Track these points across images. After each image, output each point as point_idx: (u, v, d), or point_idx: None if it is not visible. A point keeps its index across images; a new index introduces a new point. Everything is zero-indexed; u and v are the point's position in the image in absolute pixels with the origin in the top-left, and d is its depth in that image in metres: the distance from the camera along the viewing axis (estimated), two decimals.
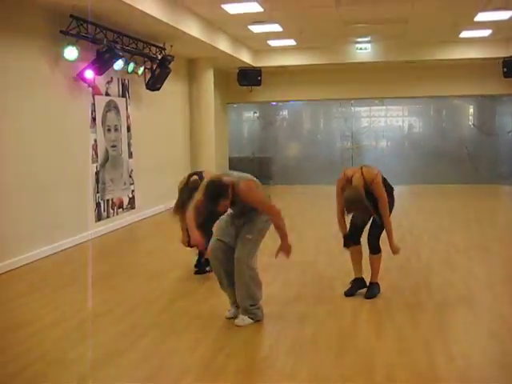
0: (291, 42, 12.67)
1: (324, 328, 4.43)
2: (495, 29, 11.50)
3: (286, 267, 6.30)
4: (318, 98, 15.19)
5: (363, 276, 5.29)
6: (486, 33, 11.92)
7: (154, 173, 10.41)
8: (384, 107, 15.49)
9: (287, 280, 5.82)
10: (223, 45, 11.16)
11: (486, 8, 9.55)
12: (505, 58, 13.06)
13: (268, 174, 15.59)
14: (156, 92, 9.84)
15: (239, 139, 16.08)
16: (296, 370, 3.66)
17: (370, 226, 5.23)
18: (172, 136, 11.63)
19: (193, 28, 9.36)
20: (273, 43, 12.77)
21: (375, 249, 5.20)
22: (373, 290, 5.19)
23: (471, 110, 15.33)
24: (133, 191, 9.54)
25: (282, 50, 13.51)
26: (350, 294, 5.21)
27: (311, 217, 9.95)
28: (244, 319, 4.47)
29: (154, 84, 9.60)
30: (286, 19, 10.31)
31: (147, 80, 9.56)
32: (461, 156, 14.46)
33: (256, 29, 10.95)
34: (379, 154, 14.68)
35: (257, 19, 10.09)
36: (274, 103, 15.82)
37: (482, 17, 10.24)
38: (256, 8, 9.15)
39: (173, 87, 11.28)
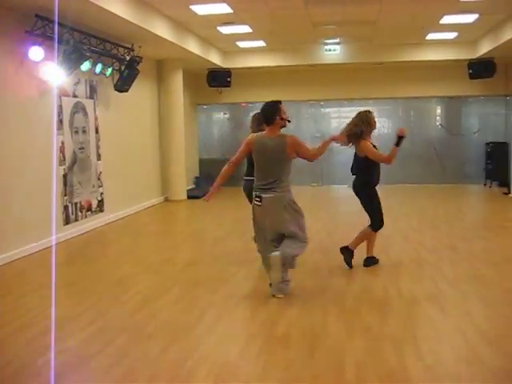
0: (261, 43, 12.70)
1: (295, 328, 4.43)
2: (460, 31, 11.72)
3: (258, 269, 6.31)
4: (288, 99, 15.19)
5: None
6: (452, 35, 12.13)
7: (123, 175, 10.31)
8: (353, 108, 15.59)
9: (258, 282, 5.81)
10: (192, 46, 11.12)
11: (451, 11, 9.72)
12: (470, 60, 13.32)
13: (238, 176, 15.50)
14: (124, 93, 9.75)
15: (209, 140, 16.02)
16: (267, 371, 3.66)
17: None
18: (141, 138, 11.54)
19: (161, 29, 9.30)
20: (242, 44, 12.78)
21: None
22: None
23: (438, 111, 15.56)
24: (101, 194, 9.42)
25: (252, 51, 13.53)
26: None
27: None
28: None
29: (122, 85, 9.50)
30: (255, 20, 10.32)
31: (115, 81, 9.46)
32: (429, 156, 14.66)
33: (225, 30, 10.94)
34: (349, 155, 14.73)
35: (226, 20, 10.08)
36: (245, 104, 15.81)
37: (447, 19, 10.42)
38: (225, 9, 9.14)
39: (141, 88, 11.20)
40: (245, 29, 10.88)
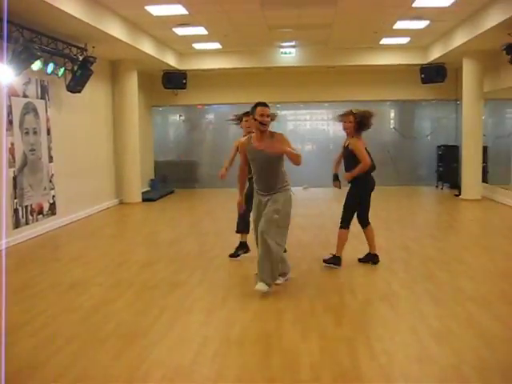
0: (216, 46, 12.68)
1: (250, 331, 4.42)
2: (413, 37, 11.99)
3: (212, 270, 6.29)
4: (244, 102, 15.20)
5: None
6: (405, 40, 12.40)
7: (76, 177, 10.10)
8: (309, 111, 15.76)
9: (213, 284, 5.78)
10: (147, 47, 11.01)
11: (404, 17, 9.93)
12: (422, 64, 13.64)
13: (194, 178, 15.49)
14: (77, 94, 9.57)
15: (165, 142, 15.88)
16: (222, 374, 3.63)
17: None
18: (95, 139, 11.34)
19: (115, 29, 9.17)
20: (198, 46, 12.74)
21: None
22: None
23: (392, 115, 15.86)
24: (53, 196, 9.20)
25: (208, 53, 13.50)
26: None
27: None
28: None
29: (75, 86, 9.31)
30: (211, 22, 10.30)
31: (68, 82, 9.26)
32: (383, 159, 14.87)
33: (181, 31, 10.88)
34: (305, 158, 14.83)
35: (181, 22, 10.03)
36: (200, 106, 15.74)
37: (400, 25, 10.65)
38: (180, 10, 9.09)
39: (95, 89, 11.01)
40: (200, 30, 10.84)
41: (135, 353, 3.99)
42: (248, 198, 6.30)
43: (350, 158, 6.25)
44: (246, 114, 6.33)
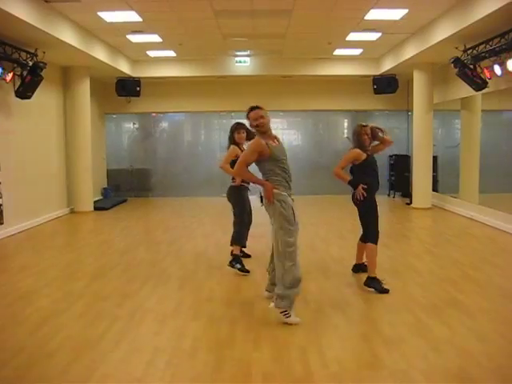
0: (171, 53, 12.62)
1: (202, 340, 4.38)
2: (365, 48, 12.23)
3: (164, 279, 6.22)
4: (199, 110, 15.23)
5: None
6: (358, 51, 12.63)
7: (25, 185, 9.85)
8: None
9: (164, 295, 5.71)
10: (100, 53, 10.86)
11: (356, 29, 10.12)
12: (374, 75, 13.92)
13: (147, 186, 15.33)
14: (27, 100, 9.33)
15: (118, 151, 15.65)
16: None
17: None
18: (45, 147, 11.09)
19: (67, 35, 9.01)
20: (152, 54, 12.65)
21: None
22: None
23: (345, 124, 16.10)
24: (1, 205, 8.92)
25: (162, 60, 13.42)
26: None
27: (192, 229, 9.88)
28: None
29: (24, 92, 9.08)
30: (165, 30, 10.24)
31: (17, 87, 9.02)
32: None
33: (134, 38, 10.78)
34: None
35: (135, 29, 9.94)
36: (154, 114, 15.61)
37: (353, 36, 10.85)
38: (134, 17, 9.02)
39: (46, 95, 10.79)
40: (155, 38, 10.77)
41: (84, 366, 3.89)
42: (244, 209, 6.43)
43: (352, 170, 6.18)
44: (238, 126, 6.55)
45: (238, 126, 6.57)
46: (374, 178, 5.99)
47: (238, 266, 6.42)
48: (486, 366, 3.83)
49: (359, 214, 6.04)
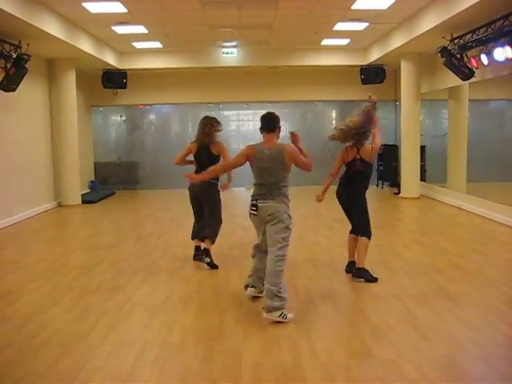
0: (157, 45, 12.53)
1: (191, 333, 4.37)
2: (353, 38, 12.20)
3: (153, 273, 6.19)
4: (185, 102, 15.14)
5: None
6: (345, 42, 12.60)
7: (11, 179, 9.76)
8: (251, 111, 15.77)
9: (153, 288, 5.69)
10: (85, 45, 10.75)
11: (343, 19, 10.09)
12: (362, 66, 13.91)
13: (135, 179, 15.25)
14: (11, 93, 9.20)
15: (105, 143, 15.54)
16: (163, 379, 3.57)
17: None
18: (31, 140, 10.98)
19: (51, 26, 8.91)
20: (138, 45, 12.55)
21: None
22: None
23: (334, 115, 16.10)
24: None
25: (148, 52, 13.32)
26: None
27: (180, 221, 9.85)
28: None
29: (8, 84, 8.95)
30: (151, 21, 10.16)
31: (1, 80, 8.89)
32: (325, 158, 15.08)
33: (120, 30, 10.68)
34: None
35: (121, 20, 9.85)
36: (141, 106, 15.51)
37: (340, 26, 10.81)
38: (119, 8, 8.92)
39: (31, 88, 10.67)
40: (140, 29, 10.68)
41: (73, 360, 3.86)
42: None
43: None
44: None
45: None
46: None
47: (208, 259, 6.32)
48: (474, 353, 3.85)
49: (353, 208, 6.02)
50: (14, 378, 3.59)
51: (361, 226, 5.92)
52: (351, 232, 6.10)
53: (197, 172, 6.03)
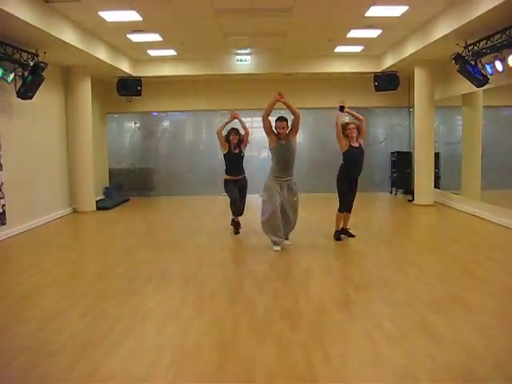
0: (172, 52, 12.61)
1: (205, 338, 4.38)
2: (366, 45, 12.20)
3: (167, 280, 6.22)
4: (200, 109, 15.23)
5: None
6: (358, 49, 12.60)
7: (27, 186, 9.86)
8: None
9: (167, 294, 5.72)
10: (101, 53, 10.86)
11: (357, 26, 10.10)
12: (375, 73, 13.90)
13: (149, 185, 15.34)
14: (28, 101, 9.32)
15: (120, 150, 15.66)
16: None
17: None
18: (47, 147, 11.10)
19: (68, 34, 9.01)
20: (153, 53, 12.64)
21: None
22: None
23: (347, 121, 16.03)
24: (3, 206, 8.94)
25: (163, 59, 13.41)
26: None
27: (194, 228, 9.88)
28: None
29: (25, 92, 9.07)
30: (165, 29, 10.24)
31: (18, 88, 9.02)
32: (338, 165, 15.05)
33: (135, 38, 10.78)
34: (261, 164, 14.92)
35: (135, 28, 9.94)
36: (156, 113, 15.62)
37: (354, 34, 10.82)
38: (134, 17, 9.01)
39: (47, 96, 10.80)
40: (155, 37, 10.77)
41: (88, 365, 3.89)
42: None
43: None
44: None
45: (231, 131, 9.23)
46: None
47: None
48: (489, 362, 3.83)
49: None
50: (30, 383, 3.63)
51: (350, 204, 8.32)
52: (342, 211, 8.24)
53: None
